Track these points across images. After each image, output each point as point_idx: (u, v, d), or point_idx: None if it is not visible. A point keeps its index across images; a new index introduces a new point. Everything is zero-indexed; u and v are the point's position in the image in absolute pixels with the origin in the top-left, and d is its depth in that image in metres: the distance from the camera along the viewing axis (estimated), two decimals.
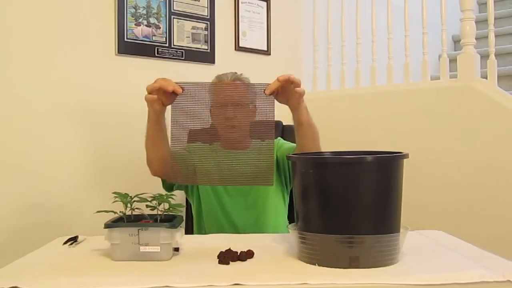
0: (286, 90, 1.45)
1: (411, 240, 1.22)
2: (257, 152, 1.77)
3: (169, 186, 1.75)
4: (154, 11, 2.35)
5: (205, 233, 1.72)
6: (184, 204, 1.95)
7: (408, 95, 2.55)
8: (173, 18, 2.42)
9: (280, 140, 1.92)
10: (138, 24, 2.29)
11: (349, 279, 1.02)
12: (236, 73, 1.84)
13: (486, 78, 2.33)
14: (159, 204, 1.26)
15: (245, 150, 1.79)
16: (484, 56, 2.38)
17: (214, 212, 1.74)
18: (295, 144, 1.68)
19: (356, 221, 1.12)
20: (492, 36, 2.37)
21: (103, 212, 1.24)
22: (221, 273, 1.08)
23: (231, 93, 1.76)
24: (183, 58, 2.46)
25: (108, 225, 1.19)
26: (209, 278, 1.01)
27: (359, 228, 1.11)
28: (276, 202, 1.78)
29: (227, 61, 2.64)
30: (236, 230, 1.70)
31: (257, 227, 1.70)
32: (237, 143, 1.78)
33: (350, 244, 1.10)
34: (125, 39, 2.25)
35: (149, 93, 1.52)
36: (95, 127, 2.17)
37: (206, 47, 2.55)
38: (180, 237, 1.22)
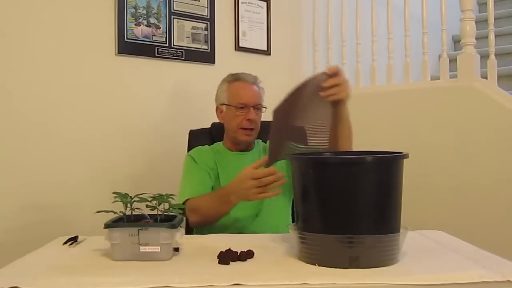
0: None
1: (411, 240, 1.22)
2: (264, 152, 1.80)
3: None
4: (154, 11, 2.35)
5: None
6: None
7: (408, 95, 2.55)
8: (173, 18, 2.42)
9: None
10: (138, 24, 2.29)
11: (349, 279, 1.02)
12: (256, 76, 1.86)
13: (486, 78, 2.33)
14: (159, 204, 1.26)
15: (250, 151, 1.84)
16: (484, 56, 2.38)
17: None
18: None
19: (356, 221, 1.12)
20: (492, 36, 2.37)
21: (103, 212, 1.24)
22: (221, 273, 1.07)
23: (255, 96, 1.80)
24: (183, 58, 2.46)
25: (108, 225, 1.19)
26: (209, 278, 1.01)
27: (359, 228, 1.11)
28: (283, 206, 1.78)
29: (227, 61, 2.64)
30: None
31: (263, 231, 1.66)
32: (246, 147, 1.83)
33: (350, 244, 1.09)
34: (125, 39, 2.25)
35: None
36: (95, 127, 2.17)
37: (206, 47, 2.55)
38: (180, 237, 1.22)
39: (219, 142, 1.91)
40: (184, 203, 1.67)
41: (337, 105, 1.46)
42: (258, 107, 1.80)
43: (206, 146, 1.90)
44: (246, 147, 1.84)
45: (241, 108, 1.77)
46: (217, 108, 1.89)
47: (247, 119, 1.76)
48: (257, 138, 1.87)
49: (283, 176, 1.39)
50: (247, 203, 1.60)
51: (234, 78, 1.85)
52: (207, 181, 1.75)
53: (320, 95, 1.39)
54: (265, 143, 1.91)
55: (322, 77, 1.39)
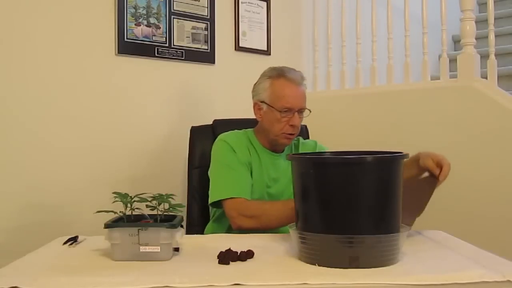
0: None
1: (411, 240, 1.22)
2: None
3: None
4: (154, 11, 2.35)
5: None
6: (185, 204, 1.95)
7: (408, 95, 2.55)
8: (173, 18, 2.42)
9: (317, 144, 1.85)
10: (138, 24, 2.29)
11: (349, 279, 1.02)
12: (301, 72, 1.74)
13: (486, 78, 2.33)
14: (159, 204, 1.26)
15: (283, 152, 1.76)
16: (484, 56, 2.38)
17: None
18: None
19: (356, 221, 1.12)
20: (492, 36, 2.37)
21: (103, 212, 1.24)
22: (221, 273, 1.08)
23: (301, 99, 1.67)
24: (183, 58, 2.46)
25: (108, 225, 1.19)
26: (209, 278, 1.01)
27: (359, 228, 1.11)
28: None
29: (227, 61, 2.64)
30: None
31: None
32: (282, 149, 1.75)
33: (350, 244, 1.10)
34: (125, 39, 2.25)
35: None
36: (95, 127, 2.17)
37: (206, 47, 2.55)
38: (180, 237, 1.22)
39: (250, 130, 1.79)
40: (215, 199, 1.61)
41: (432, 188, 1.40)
42: (302, 111, 1.68)
43: (238, 131, 1.78)
44: (281, 148, 1.75)
45: (285, 111, 1.64)
46: (255, 104, 1.74)
47: (290, 125, 1.65)
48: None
49: None
50: None
51: (278, 74, 1.70)
52: (250, 179, 1.65)
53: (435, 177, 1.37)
54: (297, 138, 1.82)
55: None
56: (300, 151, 1.80)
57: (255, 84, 1.77)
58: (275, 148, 1.75)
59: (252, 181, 1.68)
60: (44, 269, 1.14)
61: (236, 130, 1.79)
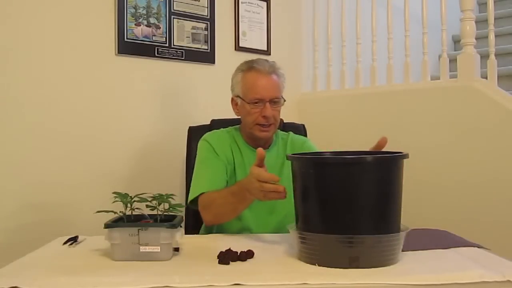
0: None
1: None
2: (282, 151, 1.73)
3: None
4: (154, 11, 2.35)
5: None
6: (184, 204, 1.95)
7: (408, 95, 2.55)
8: (173, 18, 2.42)
9: (306, 141, 1.82)
10: (138, 24, 2.29)
11: (349, 279, 1.02)
12: (274, 62, 1.70)
13: (486, 78, 2.32)
14: (159, 204, 1.26)
15: (269, 148, 1.72)
16: (484, 56, 2.38)
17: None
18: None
19: (356, 221, 1.12)
20: (492, 36, 2.37)
21: (103, 212, 1.24)
22: (221, 273, 1.08)
23: (271, 88, 1.64)
24: (183, 58, 2.46)
25: (108, 225, 1.19)
26: (209, 278, 1.01)
27: (359, 228, 1.11)
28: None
29: (227, 61, 2.63)
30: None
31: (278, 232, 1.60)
32: (265, 143, 1.71)
33: (350, 244, 1.10)
34: (125, 39, 2.25)
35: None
36: (95, 127, 2.17)
37: (206, 47, 2.55)
38: (180, 237, 1.22)
39: (237, 127, 1.77)
40: (197, 198, 1.59)
41: None
42: (275, 101, 1.64)
43: (223, 130, 1.77)
44: (264, 143, 1.70)
45: (256, 103, 1.62)
46: (232, 100, 1.73)
47: (263, 116, 1.62)
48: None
49: (283, 190, 1.27)
50: (259, 205, 1.54)
51: (248, 67, 1.68)
52: (223, 175, 1.64)
53: None
54: (287, 133, 1.81)
55: None
56: (288, 147, 1.76)
57: (231, 81, 1.75)
58: (256, 143, 1.69)
59: (237, 179, 1.65)
60: (44, 269, 1.14)
61: (221, 129, 1.78)
